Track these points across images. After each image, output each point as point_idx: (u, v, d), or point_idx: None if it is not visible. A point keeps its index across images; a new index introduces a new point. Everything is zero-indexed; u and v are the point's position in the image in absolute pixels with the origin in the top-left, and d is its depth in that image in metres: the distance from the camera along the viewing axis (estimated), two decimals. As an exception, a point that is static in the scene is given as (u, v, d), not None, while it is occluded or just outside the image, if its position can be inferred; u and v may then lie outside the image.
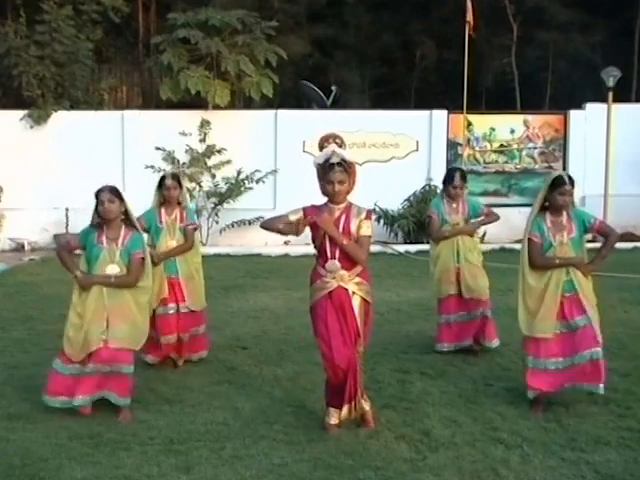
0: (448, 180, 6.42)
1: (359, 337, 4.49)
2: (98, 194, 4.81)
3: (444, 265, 6.36)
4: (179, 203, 6.12)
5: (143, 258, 4.88)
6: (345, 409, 4.54)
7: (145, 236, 5.98)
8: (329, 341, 4.45)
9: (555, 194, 4.82)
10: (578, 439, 4.45)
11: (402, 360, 6.20)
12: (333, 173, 4.41)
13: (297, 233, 4.51)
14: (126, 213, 4.88)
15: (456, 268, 6.33)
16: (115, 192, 4.82)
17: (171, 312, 6.00)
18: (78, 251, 5.02)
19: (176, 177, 6.14)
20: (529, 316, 4.92)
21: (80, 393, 4.79)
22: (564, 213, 4.88)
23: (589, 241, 5.10)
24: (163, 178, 6.10)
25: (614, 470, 4.04)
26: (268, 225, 4.53)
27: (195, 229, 6.19)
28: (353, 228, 4.47)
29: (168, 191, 6.01)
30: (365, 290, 4.55)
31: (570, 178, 4.84)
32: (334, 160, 4.41)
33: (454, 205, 6.40)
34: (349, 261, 4.46)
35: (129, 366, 4.87)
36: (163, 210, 6.08)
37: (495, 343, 6.37)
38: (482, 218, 6.56)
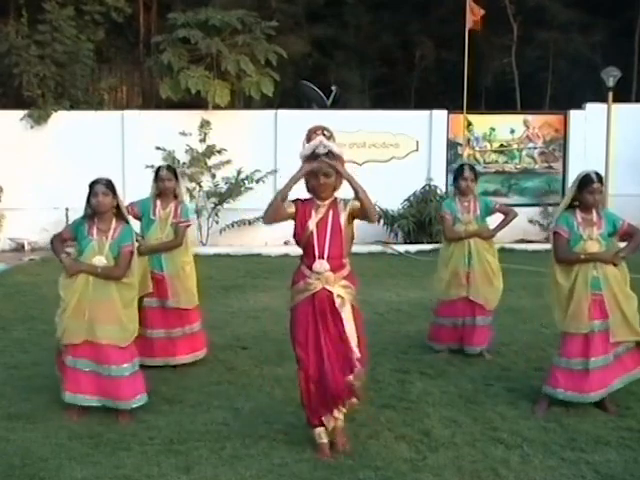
0: (458, 174, 6.39)
1: (346, 342, 4.15)
2: (92, 186, 4.79)
3: (455, 268, 6.30)
4: (176, 197, 6.10)
5: (132, 251, 4.87)
6: (331, 418, 4.26)
7: (137, 223, 5.99)
8: (306, 348, 4.18)
9: (585, 193, 4.83)
10: (578, 439, 4.45)
11: (402, 360, 6.20)
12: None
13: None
14: (117, 207, 4.87)
15: (466, 271, 6.27)
16: (110, 186, 4.81)
17: (153, 305, 5.96)
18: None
19: (171, 169, 6.12)
20: (562, 313, 4.92)
21: (81, 392, 4.82)
22: (594, 211, 4.89)
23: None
24: (159, 170, 6.08)
25: (614, 470, 4.04)
26: (276, 208, 4.18)
27: (187, 226, 6.14)
28: (343, 222, 4.22)
29: (162, 182, 5.98)
30: (352, 294, 4.26)
31: (598, 175, 4.84)
32: (321, 151, 4.13)
33: (465, 203, 6.35)
34: (336, 262, 4.20)
35: (120, 366, 4.81)
36: (159, 202, 6.04)
37: (483, 348, 6.32)
38: (502, 220, 6.46)
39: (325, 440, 4.27)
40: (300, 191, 4.33)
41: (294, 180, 4.16)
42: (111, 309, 4.80)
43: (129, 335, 4.90)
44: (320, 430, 4.27)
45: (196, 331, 6.16)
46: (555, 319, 5.02)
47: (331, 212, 4.23)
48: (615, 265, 4.88)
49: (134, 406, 4.86)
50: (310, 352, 4.17)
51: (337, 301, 4.18)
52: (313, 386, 4.19)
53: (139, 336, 5.86)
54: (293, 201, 4.28)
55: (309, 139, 4.23)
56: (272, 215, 4.18)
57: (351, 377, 4.12)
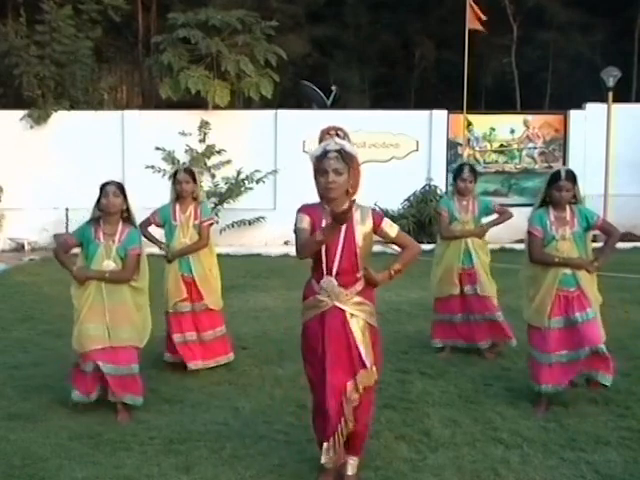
0: (457, 174, 6.39)
1: (364, 368, 3.75)
2: (104, 186, 4.81)
3: (448, 265, 6.31)
4: (195, 199, 6.06)
5: (139, 254, 4.88)
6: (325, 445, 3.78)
7: (161, 232, 6.02)
8: (315, 367, 3.79)
9: (552, 189, 4.84)
10: (578, 439, 4.45)
11: (402, 360, 6.20)
12: (327, 160, 3.67)
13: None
14: (128, 211, 4.89)
15: (460, 269, 6.28)
16: (121, 188, 4.84)
17: (185, 310, 5.96)
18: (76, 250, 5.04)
19: (189, 171, 6.07)
20: (528, 304, 4.99)
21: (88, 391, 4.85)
22: (567, 209, 4.89)
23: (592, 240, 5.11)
24: (176, 172, 6.06)
25: (614, 470, 4.04)
26: (305, 251, 3.75)
27: (210, 225, 6.11)
28: (358, 238, 3.75)
29: (180, 185, 5.94)
30: (368, 311, 3.80)
31: (570, 173, 4.83)
32: (331, 147, 3.71)
33: (464, 203, 6.34)
34: (348, 276, 3.75)
35: (135, 365, 4.88)
36: (177, 206, 6.01)
37: (513, 342, 6.29)
38: (496, 218, 6.48)
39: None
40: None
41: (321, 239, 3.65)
42: (126, 313, 4.84)
43: (144, 336, 4.96)
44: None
45: (222, 334, 6.14)
46: (523, 310, 5.09)
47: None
48: (589, 272, 4.89)
49: (139, 403, 4.90)
50: (319, 371, 3.78)
51: (351, 321, 3.76)
52: (328, 406, 3.74)
53: (180, 345, 5.95)
54: (302, 211, 3.81)
55: (321, 140, 3.85)
56: (309, 252, 3.75)
57: (350, 383, 3.75)
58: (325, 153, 3.71)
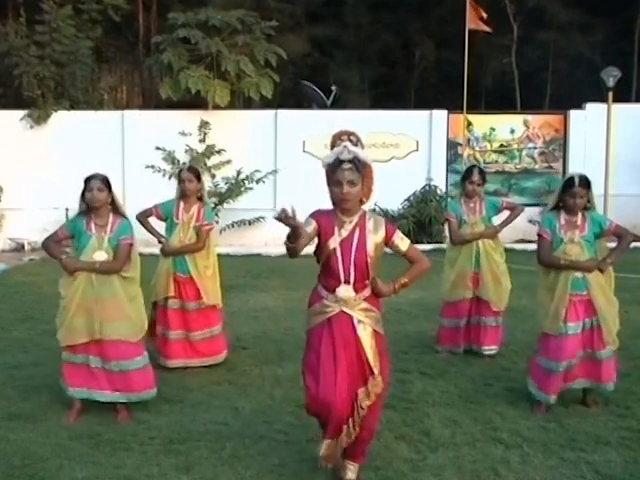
0: (466, 176, 6.35)
1: (372, 374, 3.74)
2: (88, 180, 4.76)
3: (461, 269, 6.28)
4: (200, 199, 6.05)
5: (131, 244, 4.84)
6: (325, 443, 3.77)
7: (162, 225, 6.05)
8: (317, 373, 3.71)
9: (566, 196, 4.85)
10: (578, 439, 4.45)
11: (402, 360, 6.20)
12: (342, 171, 3.63)
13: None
14: (113, 203, 4.84)
15: (473, 272, 6.26)
16: (105, 181, 4.78)
17: (174, 307, 5.97)
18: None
19: (193, 170, 6.07)
20: (543, 312, 4.98)
21: (93, 388, 4.83)
22: (579, 214, 4.89)
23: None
24: (181, 171, 6.08)
25: (614, 470, 4.04)
26: (295, 252, 3.72)
27: (210, 229, 6.09)
28: (370, 247, 3.74)
29: (184, 184, 5.94)
30: (374, 318, 3.80)
31: (583, 180, 4.81)
32: (344, 156, 3.66)
33: (471, 205, 6.32)
34: (358, 284, 3.75)
35: (133, 360, 4.82)
36: (182, 205, 6.00)
37: (492, 350, 6.31)
38: (507, 216, 6.46)
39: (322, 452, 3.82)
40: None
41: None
42: (118, 305, 4.78)
43: (139, 330, 4.90)
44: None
45: (217, 334, 6.12)
46: (539, 318, 5.07)
47: (357, 231, 3.75)
48: (602, 271, 4.89)
49: (145, 398, 4.88)
50: (321, 377, 3.71)
51: (358, 327, 3.75)
52: (321, 414, 3.76)
53: (159, 338, 5.97)
54: (312, 216, 3.78)
55: (333, 146, 3.80)
56: (295, 254, 3.71)
57: (361, 390, 3.74)
58: (339, 163, 3.67)
